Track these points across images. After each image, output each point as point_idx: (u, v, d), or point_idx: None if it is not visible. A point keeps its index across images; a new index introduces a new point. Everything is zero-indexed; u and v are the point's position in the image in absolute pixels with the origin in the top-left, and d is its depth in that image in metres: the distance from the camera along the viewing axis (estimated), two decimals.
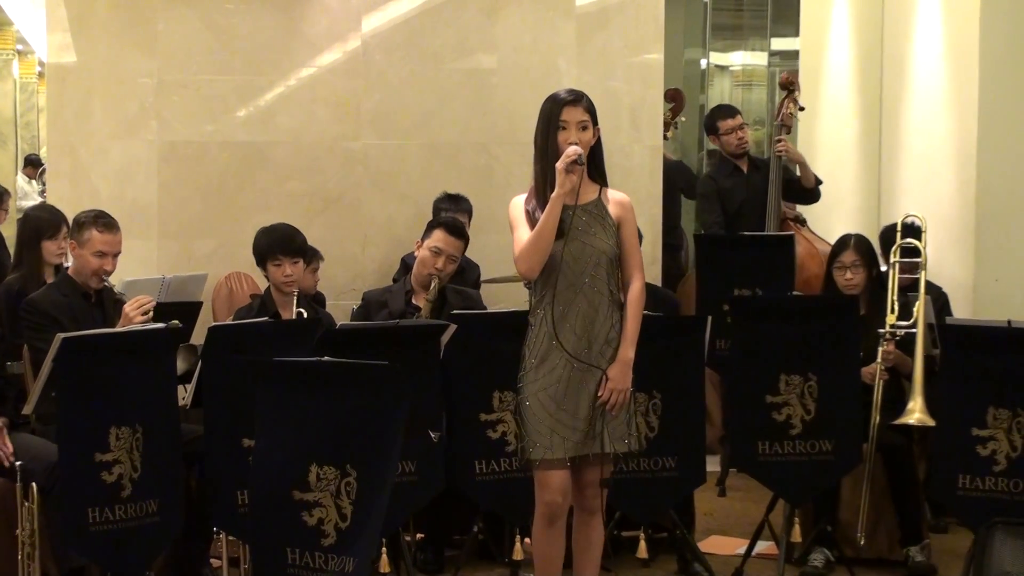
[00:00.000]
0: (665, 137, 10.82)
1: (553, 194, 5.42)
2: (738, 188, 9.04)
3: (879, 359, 6.96)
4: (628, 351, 5.58)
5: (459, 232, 7.31)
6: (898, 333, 7.09)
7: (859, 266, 7.27)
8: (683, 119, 11.03)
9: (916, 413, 6.83)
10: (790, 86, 9.11)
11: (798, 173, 9.01)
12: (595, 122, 5.58)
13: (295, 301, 7.02)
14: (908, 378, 6.94)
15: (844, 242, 7.38)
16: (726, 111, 9.40)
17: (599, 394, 5.51)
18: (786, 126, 9.01)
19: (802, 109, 9.17)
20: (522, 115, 8.51)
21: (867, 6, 11.08)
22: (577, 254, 5.50)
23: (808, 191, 9.07)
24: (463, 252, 7.38)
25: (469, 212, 8.22)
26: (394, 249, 8.49)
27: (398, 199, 8.68)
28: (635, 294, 5.63)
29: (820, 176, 9.14)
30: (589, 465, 5.60)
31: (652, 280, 8.10)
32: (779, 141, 8.85)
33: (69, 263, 6.94)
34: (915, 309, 7.08)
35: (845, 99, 11.11)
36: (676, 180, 10.46)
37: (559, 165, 5.40)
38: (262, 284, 7.48)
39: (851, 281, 7.24)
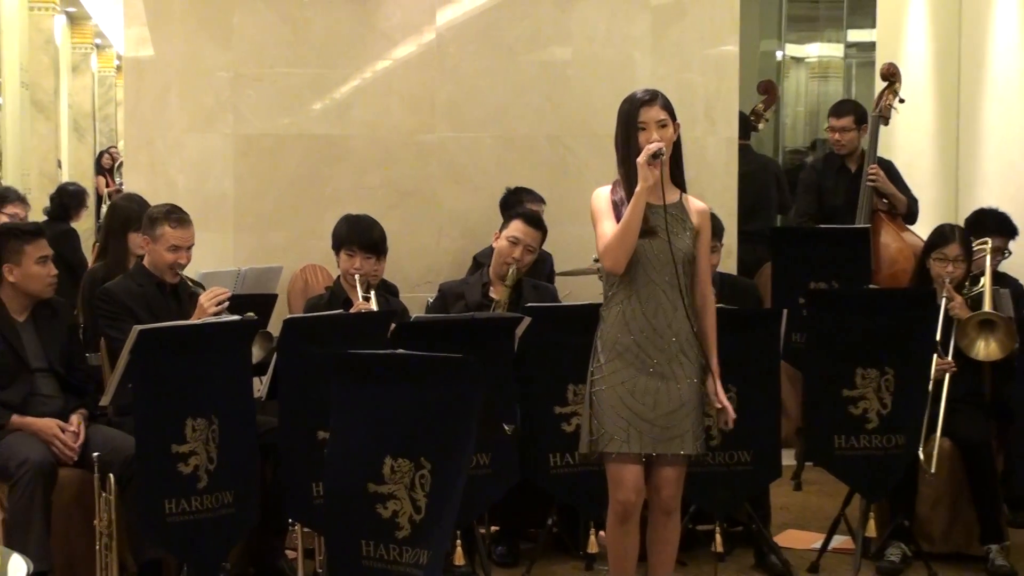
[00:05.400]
0: (756, 129, 10.77)
1: (637, 189, 5.42)
2: (839, 188, 8.90)
3: (942, 300, 6.98)
4: (716, 362, 5.65)
5: (537, 223, 7.31)
6: (966, 289, 7.19)
7: (961, 260, 7.16)
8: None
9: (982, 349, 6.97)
10: (891, 77, 8.85)
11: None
12: (674, 118, 5.58)
13: (357, 287, 7.01)
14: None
15: (946, 235, 7.23)
16: (835, 108, 9.24)
17: (718, 405, 5.63)
18: (884, 118, 8.81)
19: (902, 101, 8.93)
20: (597, 107, 8.50)
21: None
22: (659, 252, 5.50)
23: (905, 216, 8.85)
24: (541, 244, 7.37)
25: (542, 200, 8.22)
26: (469, 241, 8.49)
27: (472, 191, 8.68)
28: (712, 308, 5.71)
29: (899, 169, 9.00)
30: (665, 464, 5.59)
31: (729, 272, 8.07)
32: (872, 172, 8.67)
33: None
34: (984, 274, 7.19)
35: (923, 90, 11.00)
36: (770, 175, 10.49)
37: (640, 160, 5.41)
38: (337, 275, 7.49)
39: (953, 274, 7.14)
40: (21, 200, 8.87)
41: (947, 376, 6.90)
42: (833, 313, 6.82)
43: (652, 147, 5.41)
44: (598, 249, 5.58)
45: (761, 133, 12.43)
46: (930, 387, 6.83)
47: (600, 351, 5.60)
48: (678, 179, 5.68)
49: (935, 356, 6.88)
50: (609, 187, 5.64)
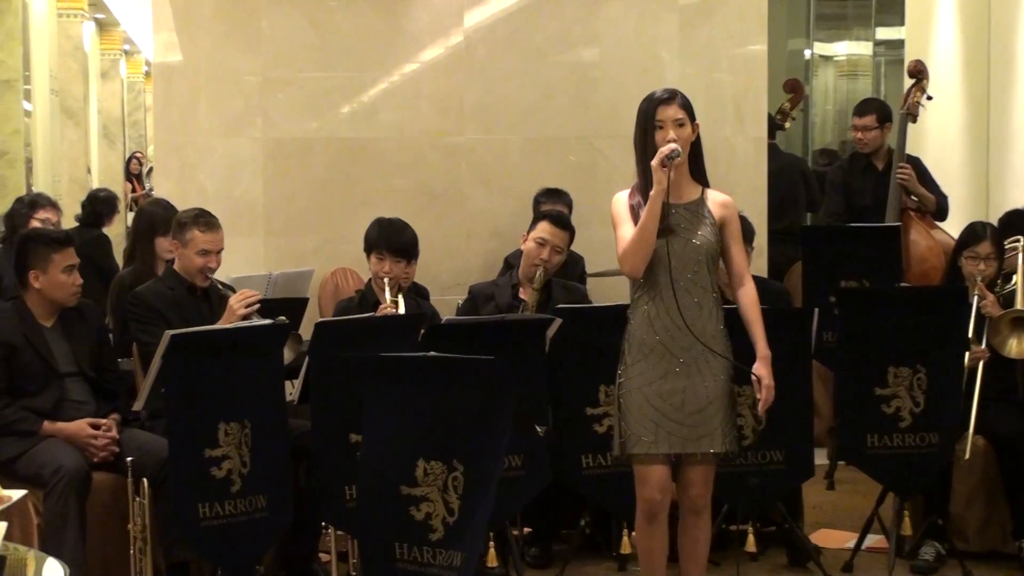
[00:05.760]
0: (783, 128, 10.74)
1: (652, 192, 5.43)
2: (867, 187, 8.87)
3: (974, 298, 6.93)
4: (767, 349, 5.61)
5: (564, 223, 7.31)
6: (998, 287, 7.13)
7: (992, 259, 7.14)
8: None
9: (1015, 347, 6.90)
10: (919, 74, 8.81)
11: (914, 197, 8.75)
12: (692, 118, 5.58)
13: (386, 290, 7.01)
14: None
15: (978, 233, 7.23)
16: (858, 107, 9.19)
17: (757, 397, 5.58)
18: (912, 115, 8.76)
19: (930, 98, 8.90)
20: (625, 108, 8.42)
21: None
22: (679, 251, 5.50)
23: (934, 213, 8.82)
24: (569, 244, 7.36)
25: (569, 205, 8.19)
26: (499, 243, 8.50)
27: (502, 193, 8.68)
28: (753, 295, 5.67)
29: (929, 166, 8.97)
30: (694, 463, 5.59)
31: (758, 272, 8.04)
32: (903, 171, 8.64)
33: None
34: (1017, 272, 7.09)
35: (952, 87, 10.98)
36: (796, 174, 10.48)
37: (654, 162, 5.42)
38: (367, 278, 7.50)
39: (984, 272, 7.12)
40: (53, 205, 8.86)
41: (980, 367, 6.86)
42: (864, 312, 6.82)
43: (665, 149, 5.41)
44: (617, 254, 5.58)
45: (789, 132, 12.41)
46: (964, 377, 6.81)
47: (627, 353, 5.62)
48: (698, 175, 5.68)
49: (974, 296, 6.89)
50: (628, 191, 5.66)
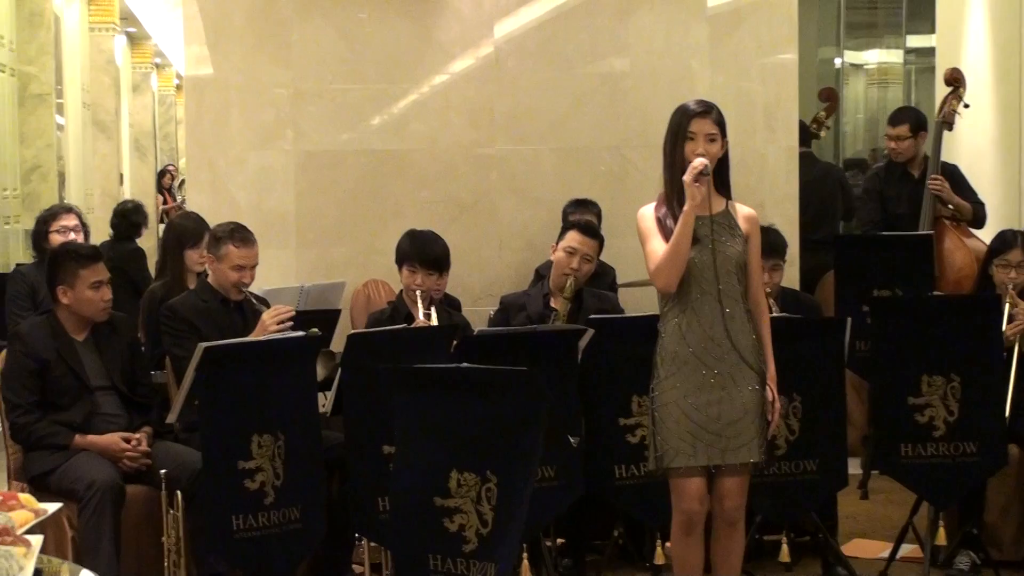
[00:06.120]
0: (818, 136, 10.73)
1: (684, 208, 5.42)
2: (903, 195, 8.85)
3: (1006, 306, 6.91)
4: (773, 370, 5.63)
5: (592, 232, 7.31)
6: None
7: None
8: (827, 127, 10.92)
9: None
10: (956, 82, 8.79)
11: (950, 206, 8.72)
12: (724, 134, 5.57)
13: (418, 303, 7.01)
14: None
15: (1008, 241, 7.21)
16: (892, 116, 9.17)
17: (769, 419, 5.57)
18: (948, 123, 8.75)
19: (967, 106, 8.86)
20: (656, 118, 8.43)
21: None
22: (710, 262, 5.49)
23: (972, 222, 8.80)
24: (598, 253, 7.36)
25: (598, 215, 8.19)
26: (530, 254, 8.49)
27: (533, 204, 8.68)
28: (766, 313, 5.71)
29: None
30: (729, 474, 5.58)
31: (789, 283, 8.02)
32: (935, 183, 8.61)
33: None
34: None
35: (984, 94, 10.93)
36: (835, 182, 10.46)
37: (686, 178, 5.41)
38: (399, 290, 7.50)
39: (1016, 280, 7.10)
40: (67, 210, 8.71)
41: (1012, 378, 6.83)
42: (897, 321, 6.78)
43: (698, 164, 5.41)
44: (648, 269, 5.57)
45: (821, 141, 12.39)
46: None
47: (659, 366, 5.60)
48: (723, 188, 5.67)
49: (1006, 304, 6.90)
50: (653, 205, 5.65)
